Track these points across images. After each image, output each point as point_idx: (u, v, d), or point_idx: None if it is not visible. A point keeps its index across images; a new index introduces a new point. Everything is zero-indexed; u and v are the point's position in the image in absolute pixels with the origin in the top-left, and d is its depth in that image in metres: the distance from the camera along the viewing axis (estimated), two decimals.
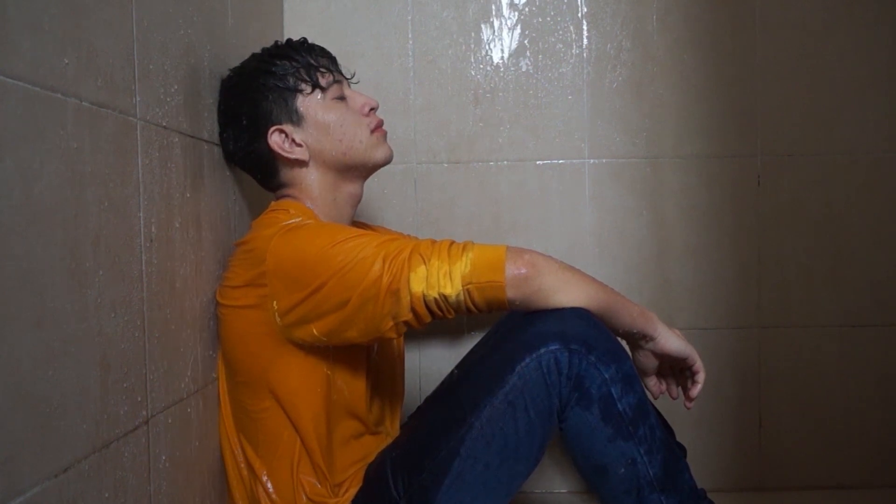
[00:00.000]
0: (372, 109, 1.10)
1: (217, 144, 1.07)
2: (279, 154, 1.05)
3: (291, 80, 1.05)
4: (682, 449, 1.18)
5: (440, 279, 0.88)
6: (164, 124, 0.88)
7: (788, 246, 1.46)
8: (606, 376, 0.89)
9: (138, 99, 0.81)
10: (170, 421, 0.88)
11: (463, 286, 0.88)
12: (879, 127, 1.45)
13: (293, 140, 1.05)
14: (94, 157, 0.71)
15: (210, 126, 1.04)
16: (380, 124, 1.10)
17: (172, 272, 0.90)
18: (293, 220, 0.99)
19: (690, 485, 0.96)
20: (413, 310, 0.89)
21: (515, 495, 0.96)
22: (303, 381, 0.98)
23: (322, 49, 1.11)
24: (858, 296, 1.46)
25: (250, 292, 0.95)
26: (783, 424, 1.47)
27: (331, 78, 1.08)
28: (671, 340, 0.99)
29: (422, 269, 0.88)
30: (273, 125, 1.04)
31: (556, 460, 1.47)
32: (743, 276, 1.46)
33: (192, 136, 0.97)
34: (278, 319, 0.93)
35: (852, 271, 1.46)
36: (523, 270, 0.90)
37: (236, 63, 1.11)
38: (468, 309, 0.91)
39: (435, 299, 0.89)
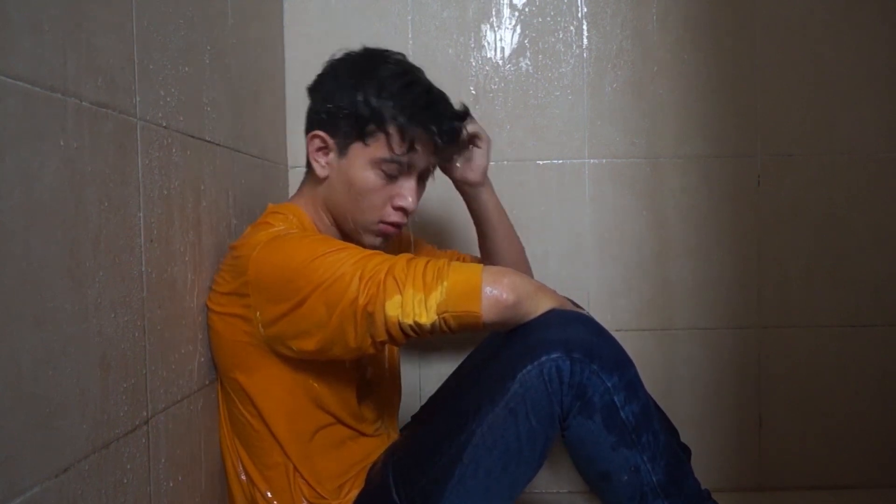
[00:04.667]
0: (402, 209, 1.03)
1: (217, 144, 1.07)
2: (308, 152, 1.04)
3: (373, 124, 0.98)
4: (687, 450, 1.18)
5: (415, 307, 0.86)
6: (164, 124, 0.88)
7: (788, 246, 1.46)
8: (609, 385, 0.89)
9: (138, 99, 0.81)
10: (170, 421, 0.88)
11: (438, 315, 0.86)
12: (879, 127, 1.45)
13: (327, 154, 1.03)
14: (94, 157, 0.71)
15: (210, 126, 1.04)
16: (394, 225, 1.04)
17: (172, 272, 0.89)
18: (278, 229, 0.98)
19: (695, 488, 0.96)
20: (388, 332, 0.87)
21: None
22: (284, 391, 0.97)
23: (453, 135, 1.02)
24: (858, 296, 1.46)
25: (235, 301, 0.94)
26: (783, 424, 1.47)
27: (411, 162, 1.01)
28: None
29: (397, 298, 0.86)
30: (323, 129, 1.02)
31: (557, 460, 1.47)
32: (743, 276, 1.46)
33: (192, 136, 0.97)
34: (262, 330, 0.92)
35: (852, 271, 1.46)
36: (500, 298, 0.87)
37: (236, 62, 1.10)
38: (443, 332, 0.89)
39: (410, 325, 0.87)
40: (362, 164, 1.01)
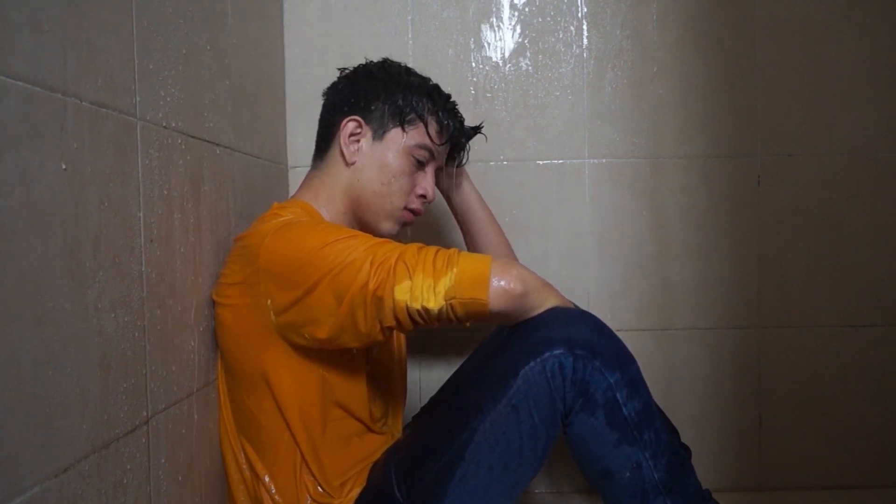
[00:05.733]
0: (423, 197, 1.11)
1: (217, 144, 1.07)
2: (340, 137, 1.08)
3: (414, 114, 1.08)
4: (687, 450, 1.18)
5: (424, 292, 0.87)
6: (164, 124, 0.88)
7: (788, 246, 1.46)
8: (611, 381, 0.89)
9: (138, 99, 0.81)
10: (170, 421, 0.88)
11: (446, 301, 0.87)
12: (879, 127, 1.45)
13: (359, 141, 1.08)
14: (94, 157, 0.71)
15: (210, 126, 1.04)
16: (414, 212, 1.12)
17: (172, 272, 0.90)
18: (288, 218, 0.99)
19: (696, 487, 0.96)
20: (395, 317, 0.88)
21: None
22: (296, 382, 0.98)
23: (468, 137, 1.18)
24: (858, 296, 1.46)
25: (245, 290, 0.95)
26: (783, 424, 1.47)
27: (438, 153, 1.11)
28: None
29: (406, 283, 0.87)
30: (360, 116, 1.08)
31: (556, 460, 1.47)
32: (743, 276, 1.46)
33: (192, 136, 0.97)
34: (273, 318, 0.93)
35: (852, 271, 1.46)
36: (507, 287, 0.88)
37: (236, 62, 1.11)
38: (450, 320, 0.90)
39: (417, 311, 0.87)
40: (397, 149, 1.08)
